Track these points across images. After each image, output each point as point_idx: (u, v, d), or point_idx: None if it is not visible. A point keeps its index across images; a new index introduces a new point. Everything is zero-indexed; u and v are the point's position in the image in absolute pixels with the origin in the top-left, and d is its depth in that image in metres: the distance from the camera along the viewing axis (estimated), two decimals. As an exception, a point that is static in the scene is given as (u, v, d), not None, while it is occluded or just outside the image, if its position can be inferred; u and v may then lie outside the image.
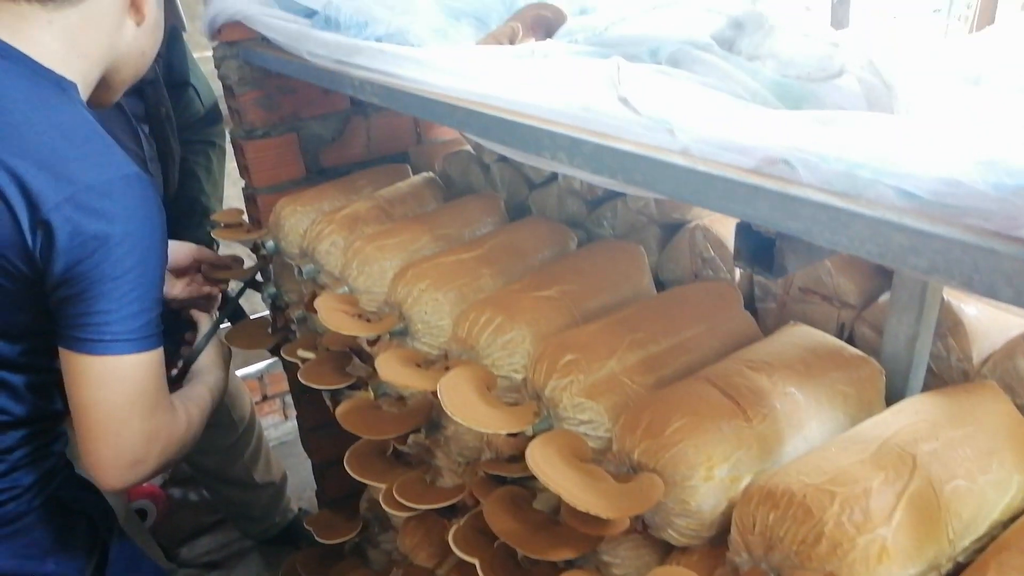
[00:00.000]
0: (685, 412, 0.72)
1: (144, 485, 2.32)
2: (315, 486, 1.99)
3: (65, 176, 0.90)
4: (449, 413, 0.77)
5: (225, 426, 2.00)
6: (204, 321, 1.35)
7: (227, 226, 1.46)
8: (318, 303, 1.03)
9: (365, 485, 1.50)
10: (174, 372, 1.28)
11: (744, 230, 0.59)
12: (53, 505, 1.08)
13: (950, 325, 0.87)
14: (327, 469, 1.88)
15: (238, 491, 2.12)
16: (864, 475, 0.62)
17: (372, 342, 1.08)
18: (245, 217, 1.54)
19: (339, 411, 1.02)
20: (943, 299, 0.86)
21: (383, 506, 0.99)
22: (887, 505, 0.60)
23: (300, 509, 2.30)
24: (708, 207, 0.60)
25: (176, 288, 1.38)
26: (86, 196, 0.89)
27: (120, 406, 0.95)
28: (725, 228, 1.09)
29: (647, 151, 0.63)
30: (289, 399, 2.77)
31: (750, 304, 1.06)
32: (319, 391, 1.41)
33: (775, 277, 0.58)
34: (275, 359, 2.65)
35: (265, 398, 2.79)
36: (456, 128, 0.96)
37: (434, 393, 0.90)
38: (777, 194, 0.54)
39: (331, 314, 1.00)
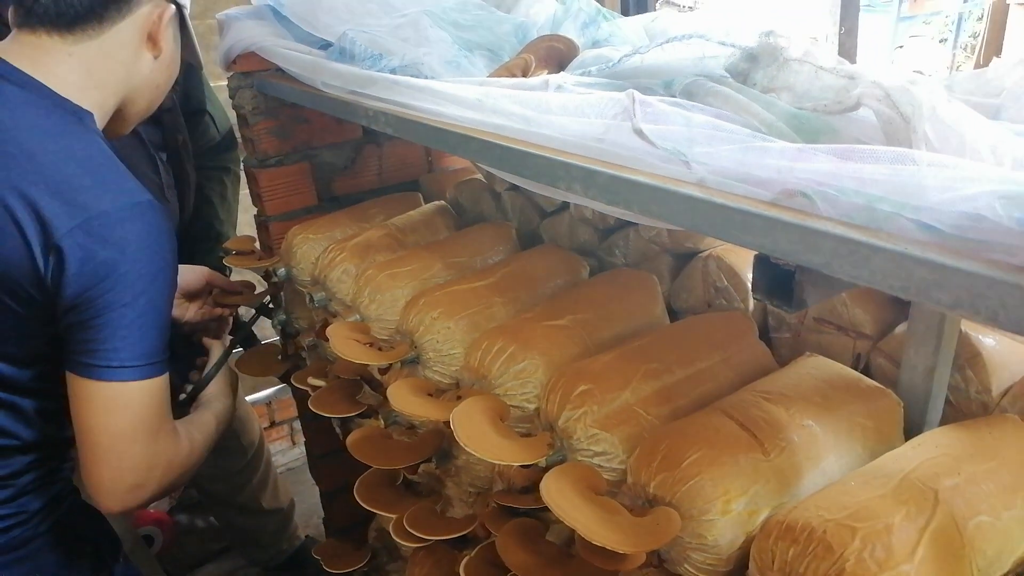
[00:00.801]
0: (702, 444, 0.72)
1: (151, 511, 2.31)
2: (323, 513, 1.98)
3: (78, 203, 0.91)
4: (462, 444, 0.77)
5: (234, 451, 1.99)
6: (216, 348, 1.35)
7: (239, 253, 1.47)
8: (330, 331, 1.03)
9: (373, 514, 1.49)
10: (182, 397, 1.28)
11: (762, 262, 0.58)
12: (59, 530, 1.08)
13: (968, 357, 0.86)
14: (335, 497, 1.87)
15: (245, 517, 2.11)
16: (885, 510, 0.61)
17: (383, 370, 1.08)
18: (257, 245, 1.54)
19: (350, 440, 1.02)
20: (961, 330, 0.86)
21: (394, 536, 0.98)
22: (910, 541, 0.59)
23: (307, 536, 2.28)
24: (726, 239, 0.59)
25: (188, 312, 1.38)
26: (99, 223, 0.90)
27: (123, 431, 0.95)
28: (738, 257, 1.09)
29: (663, 182, 0.64)
30: (297, 425, 2.76)
31: (764, 334, 1.05)
32: (328, 418, 1.41)
33: (794, 310, 0.57)
34: (283, 385, 2.66)
35: (273, 424, 2.78)
36: (471, 159, 0.96)
37: (446, 423, 0.89)
38: (797, 227, 0.54)
39: (343, 342, 1.00)
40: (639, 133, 0.69)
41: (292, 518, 2.24)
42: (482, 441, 0.76)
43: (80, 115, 1.00)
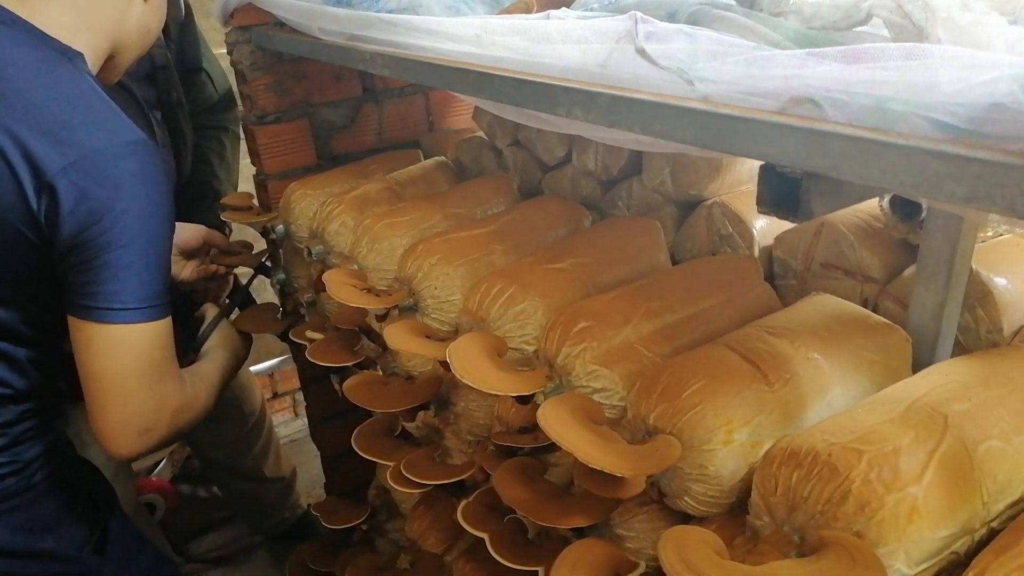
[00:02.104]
0: (703, 375, 0.70)
1: (153, 479, 2.31)
2: (325, 482, 1.97)
3: (70, 142, 0.89)
4: (458, 376, 0.75)
5: (235, 419, 1.98)
6: (211, 310, 1.34)
7: (236, 209, 1.45)
8: (326, 277, 1.02)
9: (373, 477, 1.48)
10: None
11: (768, 173, 0.56)
12: (54, 482, 1.07)
13: (979, 296, 0.84)
14: (336, 461, 1.86)
15: (248, 485, 2.10)
16: (893, 434, 0.59)
17: (381, 318, 1.06)
18: (255, 202, 1.52)
19: (346, 384, 1.00)
20: (972, 269, 0.83)
21: (390, 483, 0.97)
22: (918, 464, 0.57)
23: (309, 505, 2.28)
24: (731, 151, 0.57)
25: (186, 270, 1.37)
26: (92, 161, 0.88)
27: (129, 375, 0.94)
28: (743, 204, 1.06)
29: (665, 99, 0.61)
30: (300, 397, 2.75)
31: (769, 282, 1.03)
32: (329, 381, 1.39)
33: (801, 220, 0.55)
34: (286, 356, 2.65)
35: (276, 395, 2.78)
36: (469, 95, 0.94)
37: (443, 363, 0.88)
38: (804, 131, 0.52)
39: (339, 287, 0.98)
40: (641, 53, 0.66)
41: (294, 487, 2.24)
42: (478, 373, 0.75)
43: (70, 55, 0.97)
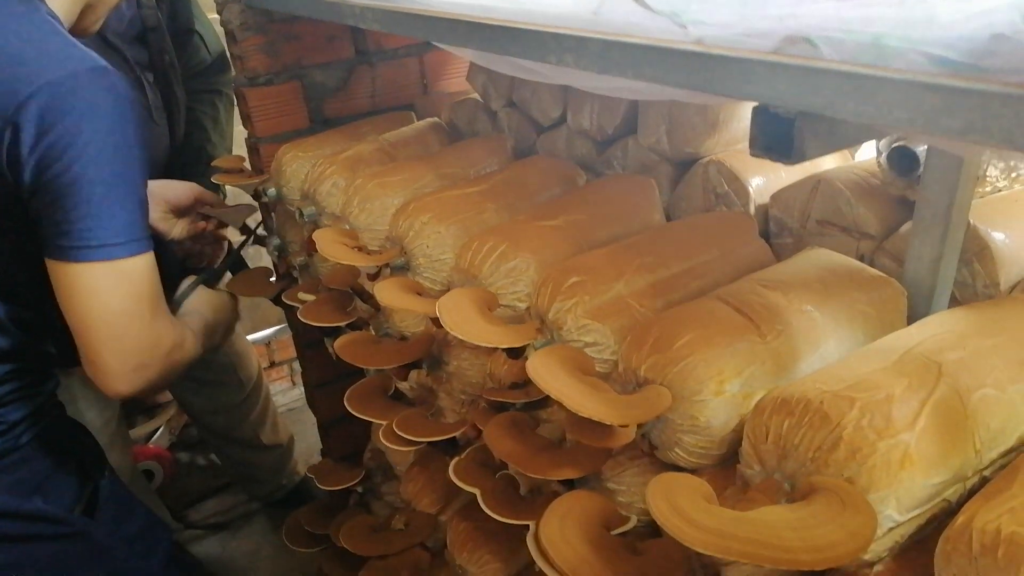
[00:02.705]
0: (695, 327, 0.69)
1: (151, 447, 2.32)
2: (322, 449, 1.98)
3: (25, 77, 0.85)
4: (448, 330, 0.74)
5: (232, 386, 1.98)
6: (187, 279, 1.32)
7: (228, 172, 1.43)
8: (317, 235, 1.00)
9: (369, 440, 1.48)
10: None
11: (761, 114, 0.55)
12: (42, 444, 1.06)
13: (976, 250, 0.83)
14: (332, 427, 1.86)
15: (245, 452, 2.11)
16: (886, 382, 0.58)
17: (373, 278, 1.05)
18: (247, 164, 1.51)
19: (338, 343, 0.99)
20: (969, 223, 0.82)
21: (383, 442, 0.96)
22: (910, 412, 0.57)
23: (307, 473, 2.29)
24: (724, 93, 0.56)
25: (176, 228, 1.34)
26: (49, 93, 0.85)
27: (118, 312, 0.92)
28: (739, 162, 1.05)
29: (657, 42, 0.60)
30: (297, 365, 2.75)
31: (765, 240, 1.02)
32: (324, 347, 1.39)
33: (793, 162, 0.54)
34: (283, 325, 2.64)
35: (273, 364, 2.78)
36: (460, 45, 0.92)
37: (435, 321, 0.87)
38: (797, 69, 0.50)
39: (330, 245, 0.97)
40: (634, -3, 0.65)
41: (292, 454, 2.25)
42: (468, 326, 0.74)
43: None
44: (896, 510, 0.55)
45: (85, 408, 1.54)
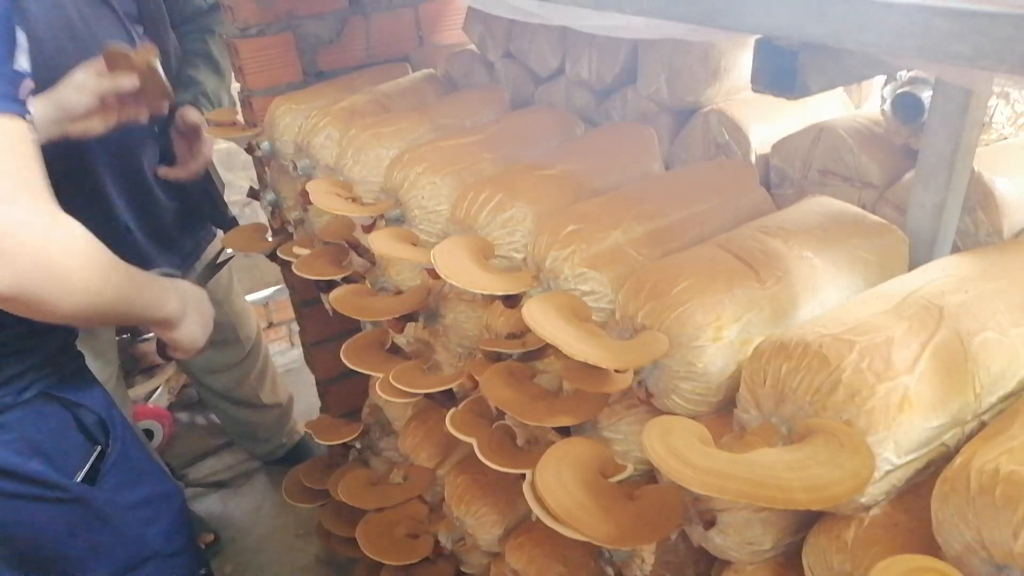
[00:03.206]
0: (693, 273, 0.68)
1: (150, 406, 2.33)
2: (320, 407, 1.98)
3: None
4: (443, 276, 0.73)
5: (232, 345, 1.98)
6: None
7: (221, 125, 1.41)
8: (310, 185, 0.99)
9: (367, 397, 1.48)
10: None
11: (763, 48, 0.53)
12: (46, 402, 1.04)
13: (980, 198, 0.82)
14: (330, 385, 1.86)
15: (245, 411, 2.12)
16: (886, 325, 0.58)
17: (368, 230, 1.03)
18: (240, 118, 1.48)
19: (333, 295, 0.98)
20: (973, 170, 0.81)
21: (380, 394, 0.96)
22: (910, 354, 0.56)
23: (306, 432, 2.30)
24: (724, 25, 0.54)
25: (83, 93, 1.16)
26: None
27: None
28: (741, 111, 1.03)
29: (657, -25, 0.58)
30: (295, 326, 2.75)
31: (766, 190, 1.01)
32: (321, 305, 1.38)
33: (796, 96, 0.52)
34: (281, 286, 2.63)
35: (271, 325, 2.77)
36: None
37: (431, 272, 0.86)
38: (801, -4, 0.48)
39: (323, 196, 0.96)
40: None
41: (291, 414, 2.26)
42: (464, 274, 0.73)
43: None
44: (894, 453, 0.55)
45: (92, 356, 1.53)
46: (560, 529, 0.67)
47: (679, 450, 0.51)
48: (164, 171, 1.53)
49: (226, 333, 1.95)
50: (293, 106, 1.32)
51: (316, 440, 1.37)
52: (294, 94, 1.36)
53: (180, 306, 1.01)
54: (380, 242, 0.85)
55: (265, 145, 1.35)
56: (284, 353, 2.82)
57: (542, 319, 0.63)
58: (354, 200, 1.01)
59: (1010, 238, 0.82)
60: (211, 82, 1.61)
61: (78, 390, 1.10)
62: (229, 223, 1.67)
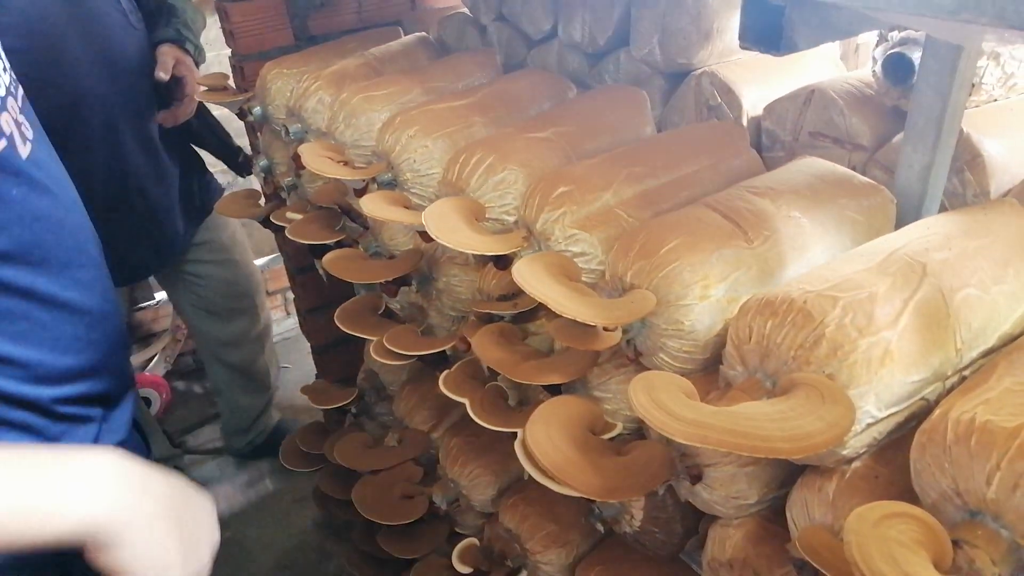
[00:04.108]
0: (681, 233, 0.69)
1: (147, 375, 2.34)
2: (316, 374, 1.99)
3: None
4: (434, 237, 0.73)
5: (250, 312, 1.94)
6: None
7: (212, 90, 1.40)
8: (302, 148, 0.99)
9: (362, 363, 1.49)
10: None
11: (751, 3, 0.53)
12: None
13: (968, 159, 0.82)
14: (325, 352, 1.88)
15: (250, 397, 2.06)
16: (870, 281, 0.58)
17: (360, 193, 1.04)
18: (231, 83, 1.47)
19: (327, 258, 0.99)
20: (962, 131, 0.81)
21: (374, 357, 0.97)
22: (893, 310, 0.57)
23: (301, 392, 2.29)
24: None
25: None
26: None
27: None
28: (733, 73, 1.03)
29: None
30: (291, 295, 2.75)
31: (757, 153, 1.01)
32: (316, 272, 1.38)
33: (783, 53, 0.52)
34: (276, 255, 2.63)
35: (267, 294, 2.77)
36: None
37: (423, 234, 0.86)
38: (788, -49, 0.48)
39: (315, 159, 0.96)
40: None
41: (272, 402, 2.20)
42: (455, 234, 0.73)
43: None
44: (875, 406, 0.56)
45: None
46: (550, 484, 0.68)
47: (664, 402, 0.52)
48: (162, 116, 1.53)
49: (245, 301, 1.93)
50: (284, 71, 1.31)
51: (312, 404, 1.38)
52: (285, 59, 1.35)
53: (112, 509, 0.54)
54: (371, 205, 0.85)
55: (257, 110, 1.34)
56: (280, 322, 2.83)
57: (531, 278, 0.64)
58: (346, 164, 1.01)
59: (997, 198, 0.82)
60: (189, 9, 1.59)
61: None
62: (239, 163, 1.71)
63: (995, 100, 0.90)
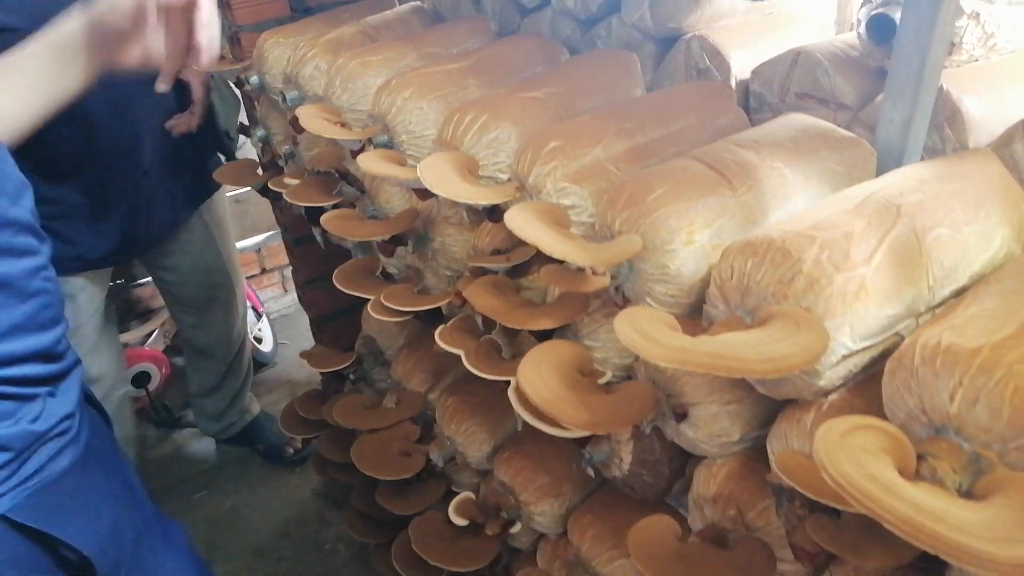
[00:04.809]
0: (668, 181, 0.71)
1: (147, 349, 2.36)
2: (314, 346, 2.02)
3: None
4: (428, 188, 0.76)
5: (228, 291, 1.91)
6: None
7: (209, 59, 1.41)
8: (300, 111, 1.01)
9: (359, 334, 1.52)
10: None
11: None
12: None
13: (948, 115, 0.85)
14: (324, 323, 1.90)
15: (217, 378, 2.05)
16: (846, 221, 0.61)
17: (356, 155, 1.06)
18: (228, 52, 1.49)
19: (324, 217, 1.01)
20: (942, 87, 0.84)
21: (372, 315, 1.00)
22: (868, 248, 0.60)
23: (300, 356, 2.31)
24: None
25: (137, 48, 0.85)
26: None
27: None
28: (722, 37, 1.05)
29: None
30: (288, 272, 2.78)
31: (745, 115, 1.03)
32: (314, 244, 1.40)
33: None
34: (273, 231, 2.65)
35: (264, 271, 2.80)
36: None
37: (419, 192, 0.89)
38: None
39: (312, 120, 0.98)
40: None
41: (248, 389, 2.17)
42: (449, 185, 0.76)
43: None
44: (850, 338, 0.59)
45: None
46: (540, 426, 0.71)
47: (647, 331, 0.54)
48: (173, 123, 1.47)
49: (224, 283, 1.88)
50: (281, 40, 1.33)
51: (311, 368, 1.41)
52: (282, 28, 1.37)
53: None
54: (368, 161, 0.88)
55: (254, 79, 1.36)
56: (277, 299, 2.86)
57: (522, 223, 0.67)
58: (343, 125, 1.03)
59: (975, 153, 0.85)
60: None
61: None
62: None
63: (976, 60, 0.92)
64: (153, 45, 0.83)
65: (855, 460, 0.44)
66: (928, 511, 0.41)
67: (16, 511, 0.77)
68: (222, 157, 1.70)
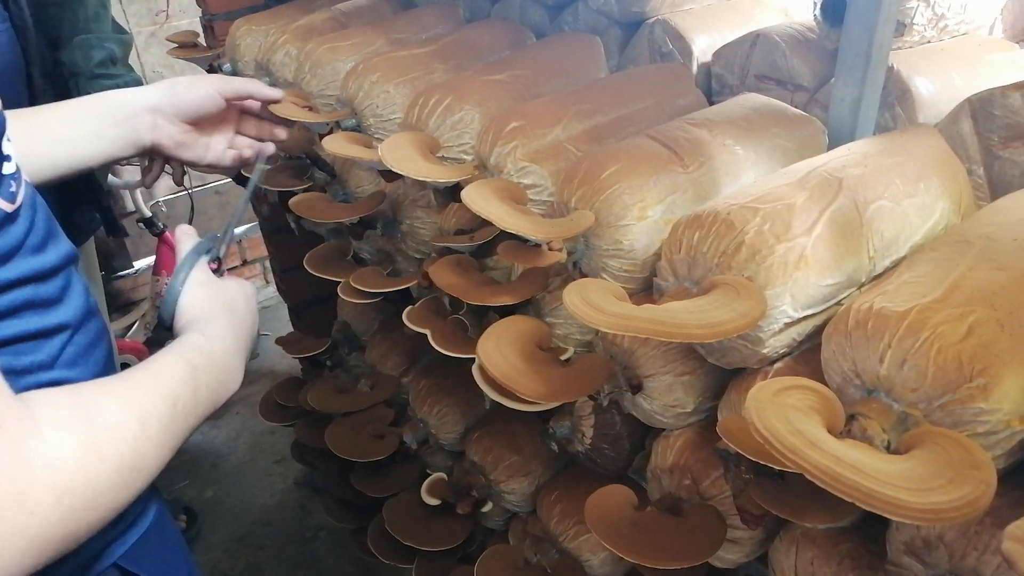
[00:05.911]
0: (621, 159, 0.73)
1: (128, 341, 2.37)
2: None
3: None
4: (389, 166, 0.77)
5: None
6: (184, 239, 0.77)
7: (182, 47, 1.42)
8: (267, 96, 1.01)
9: (335, 321, 1.53)
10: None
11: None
12: None
13: (898, 94, 0.87)
14: (302, 311, 1.91)
15: None
16: (789, 194, 0.63)
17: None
18: (201, 40, 1.49)
19: (294, 200, 1.02)
20: (892, 67, 0.86)
21: (341, 296, 1.01)
22: (809, 219, 0.62)
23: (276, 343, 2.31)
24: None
25: (212, 152, 0.92)
26: None
27: None
28: (685, 21, 1.06)
29: None
30: (269, 264, 2.78)
31: (707, 98, 1.05)
32: (291, 232, 1.41)
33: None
34: (254, 223, 2.65)
35: (245, 263, 2.81)
36: None
37: (385, 174, 0.90)
38: None
39: (281, 105, 0.99)
40: None
41: None
42: (409, 163, 0.77)
43: None
44: (791, 306, 0.61)
45: None
46: (500, 399, 0.73)
47: (592, 299, 0.56)
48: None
49: None
50: (253, 27, 1.34)
51: (286, 353, 1.42)
52: (254, 16, 1.38)
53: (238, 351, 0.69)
54: (333, 143, 0.89)
55: (227, 66, 1.37)
56: (259, 291, 2.86)
57: (479, 198, 0.68)
58: (311, 109, 1.05)
59: (925, 131, 0.87)
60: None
61: None
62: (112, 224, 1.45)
63: (928, 41, 0.94)
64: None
65: (783, 416, 0.46)
66: (848, 463, 0.43)
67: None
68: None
